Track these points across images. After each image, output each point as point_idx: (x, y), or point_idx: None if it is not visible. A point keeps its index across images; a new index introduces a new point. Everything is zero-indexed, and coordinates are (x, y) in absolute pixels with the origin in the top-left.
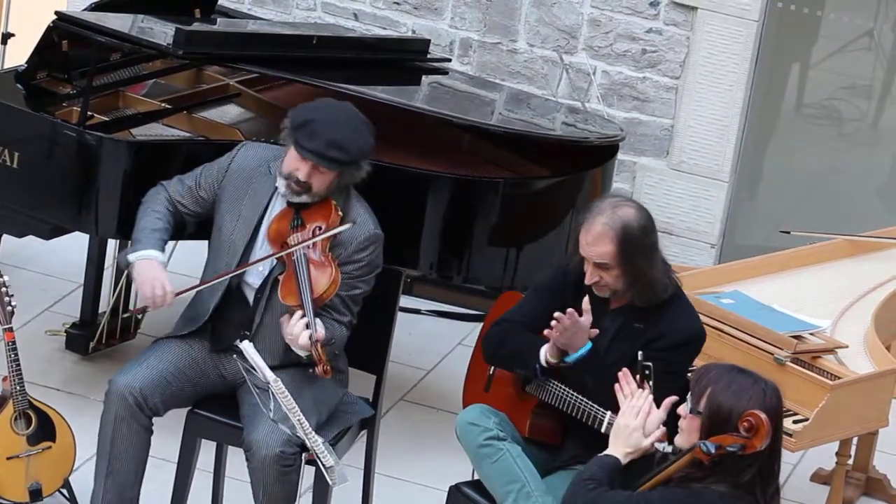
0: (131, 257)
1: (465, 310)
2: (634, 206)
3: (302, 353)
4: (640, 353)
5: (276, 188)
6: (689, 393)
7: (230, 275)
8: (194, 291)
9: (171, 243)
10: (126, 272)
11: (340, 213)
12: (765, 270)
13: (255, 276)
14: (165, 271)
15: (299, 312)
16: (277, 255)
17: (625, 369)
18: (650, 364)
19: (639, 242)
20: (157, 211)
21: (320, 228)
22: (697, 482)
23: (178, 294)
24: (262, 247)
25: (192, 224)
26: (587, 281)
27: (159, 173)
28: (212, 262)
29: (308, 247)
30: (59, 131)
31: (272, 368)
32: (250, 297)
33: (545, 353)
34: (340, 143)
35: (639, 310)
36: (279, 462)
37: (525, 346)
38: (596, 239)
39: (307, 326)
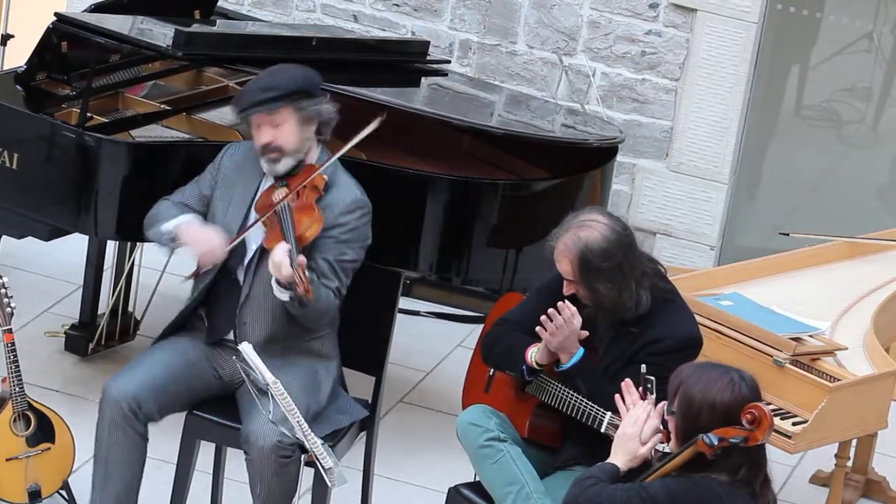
0: (166, 227)
1: (465, 311)
2: (601, 228)
3: (283, 296)
4: (643, 366)
5: (265, 172)
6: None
7: (247, 230)
8: (239, 239)
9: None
10: (127, 274)
11: (325, 177)
12: (764, 272)
13: (248, 255)
14: (206, 225)
15: (283, 244)
16: (266, 215)
17: (627, 380)
18: (653, 378)
19: (596, 266)
20: (167, 206)
21: (304, 187)
22: (698, 473)
23: (228, 245)
24: (254, 227)
25: None
26: (564, 292)
27: (158, 174)
28: None
29: (293, 199)
30: (58, 132)
31: (262, 338)
32: (240, 275)
33: (532, 356)
34: (267, 84)
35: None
36: (277, 452)
37: (515, 347)
38: (558, 256)
39: (290, 257)
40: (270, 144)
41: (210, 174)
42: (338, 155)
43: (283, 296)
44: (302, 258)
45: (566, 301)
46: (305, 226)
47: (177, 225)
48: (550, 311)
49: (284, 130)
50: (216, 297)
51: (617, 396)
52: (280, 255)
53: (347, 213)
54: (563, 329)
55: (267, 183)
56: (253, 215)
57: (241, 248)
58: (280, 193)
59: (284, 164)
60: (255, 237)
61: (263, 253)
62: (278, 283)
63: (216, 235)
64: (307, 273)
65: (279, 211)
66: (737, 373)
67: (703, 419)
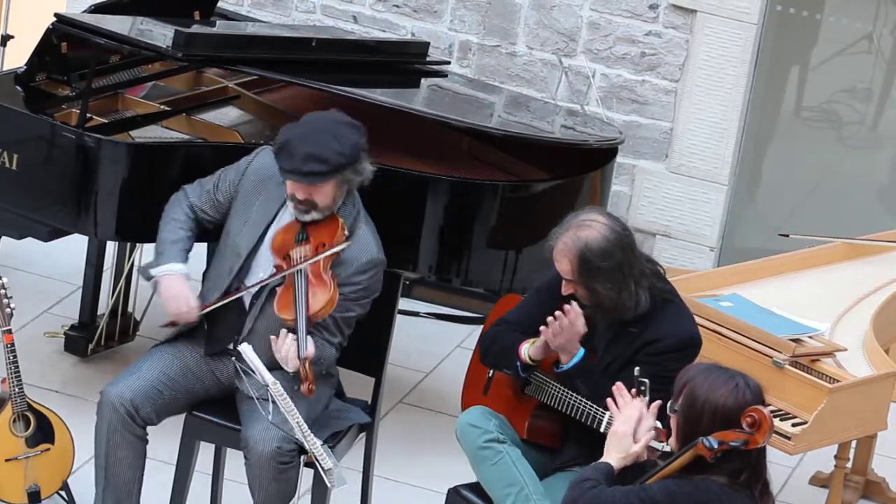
0: (154, 272)
1: (464, 312)
2: (600, 228)
3: (289, 370)
4: (636, 368)
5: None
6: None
7: (240, 294)
8: (216, 306)
9: None
10: (127, 274)
11: (347, 231)
12: (764, 273)
13: (253, 282)
14: (188, 285)
15: (285, 332)
16: (280, 275)
17: (619, 383)
18: (646, 381)
19: (596, 266)
20: (177, 220)
21: (324, 245)
22: (698, 475)
23: (201, 310)
24: (265, 255)
25: (212, 228)
26: (563, 292)
27: (158, 175)
28: (215, 265)
29: (309, 265)
30: (58, 133)
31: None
32: (247, 301)
33: (526, 351)
34: (317, 154)
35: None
36: (276, 459)
37: (511, 345)
38: (557, 256)
39: (297, 344)
40: (306, 200)
41: (232, 179)
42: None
43: (289, 369)
44: (310, 351)
45: (573, 302)
46: (319, 304)
47: (162, 276)
48: (557, 312)
49: (322, 192)
50: (218, 313)
51: (609, 401)
52: (286, 347)
53: (361, 273)
54: (567, 330)
55: (286, 214)
56: (266, 248)
57: (245, 272)
58: (299, 252)
59: (313, 216)
60: (265, 268)
61: (272, 292)
62: None
63: (190, 301)
64: (314, 368)
65: (295, 275)
66: (742, 379)
67: (705, 421)
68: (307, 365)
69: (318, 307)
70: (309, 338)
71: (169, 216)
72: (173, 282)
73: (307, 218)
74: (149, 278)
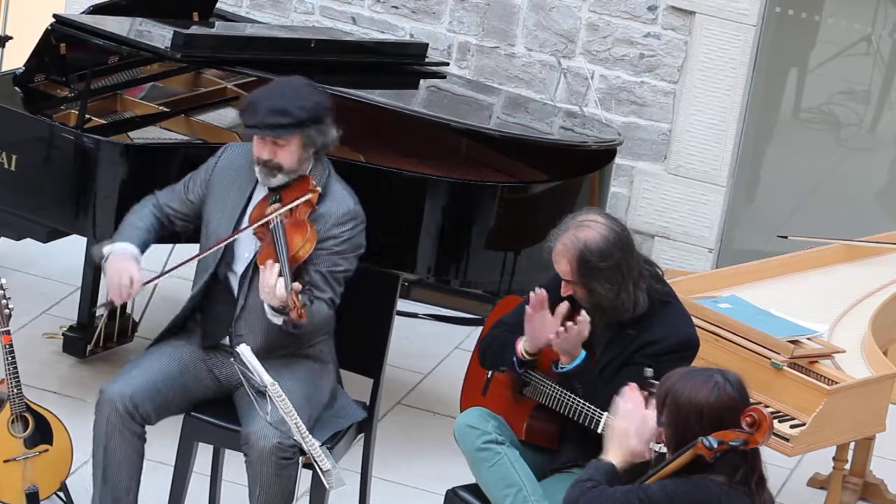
0: (106, 249)
1: (463, 314)
2: (598, 228)
3: (277, 320)
4: (648, 369)
5: (258, 180)
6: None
7: (201, 255)
8: (162, 278)
9: (167, 247)
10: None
11: (319, 188)
12: (762, 275)
13: (240, 263)
14: (136, 262)
15: (272, 262)
16: (257, 225)
17: (633, 384)
18: (657, 382)
19: (595, 266)
20: (139, 215)
21: (296, 199)
22: (697, 475)
23: (144, 283)
24: (247, 235)
25: (182, 226)
26: (562, 293)
27: (157, 176)
28: (202, 260)
29: (285, 215)
30: (56, 134)
31: (258, 349)
32: (235, 284)
33: (521, 347)
34: (280, 108)
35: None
36: (277, 454)
37: (507, 343)
38: (556, 257)
39: (281, 277)
40: (270, 161)
41: (202, 177)
42: (288, 207)
43: (277, 320)
44: (297, 284)
45: (582, 312)
46: (298, 245)
47: (109, 251)
48: (568, 324)
49: (286, 151)
50: (209, 303)
51: (616, 397)
52: (272, 279)
53: (340, 225)
54: (572, 335)
55: (261, 192)
56: (247, 232)
57: (230, 254)
58: (273, 208)
59: (279, 180)
60: (248, 247)
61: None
62: (271, 307)
63: (134, 274)
64: (300, 297)
65: (272, 228)
66: (720, 374)
67: (693, 425)
68: (294, 295)
69: (296, 247)
70: (295, 283)
71: (132, 212)
72: (121, 258)
73: (274, 182)
74: (100, 258)
